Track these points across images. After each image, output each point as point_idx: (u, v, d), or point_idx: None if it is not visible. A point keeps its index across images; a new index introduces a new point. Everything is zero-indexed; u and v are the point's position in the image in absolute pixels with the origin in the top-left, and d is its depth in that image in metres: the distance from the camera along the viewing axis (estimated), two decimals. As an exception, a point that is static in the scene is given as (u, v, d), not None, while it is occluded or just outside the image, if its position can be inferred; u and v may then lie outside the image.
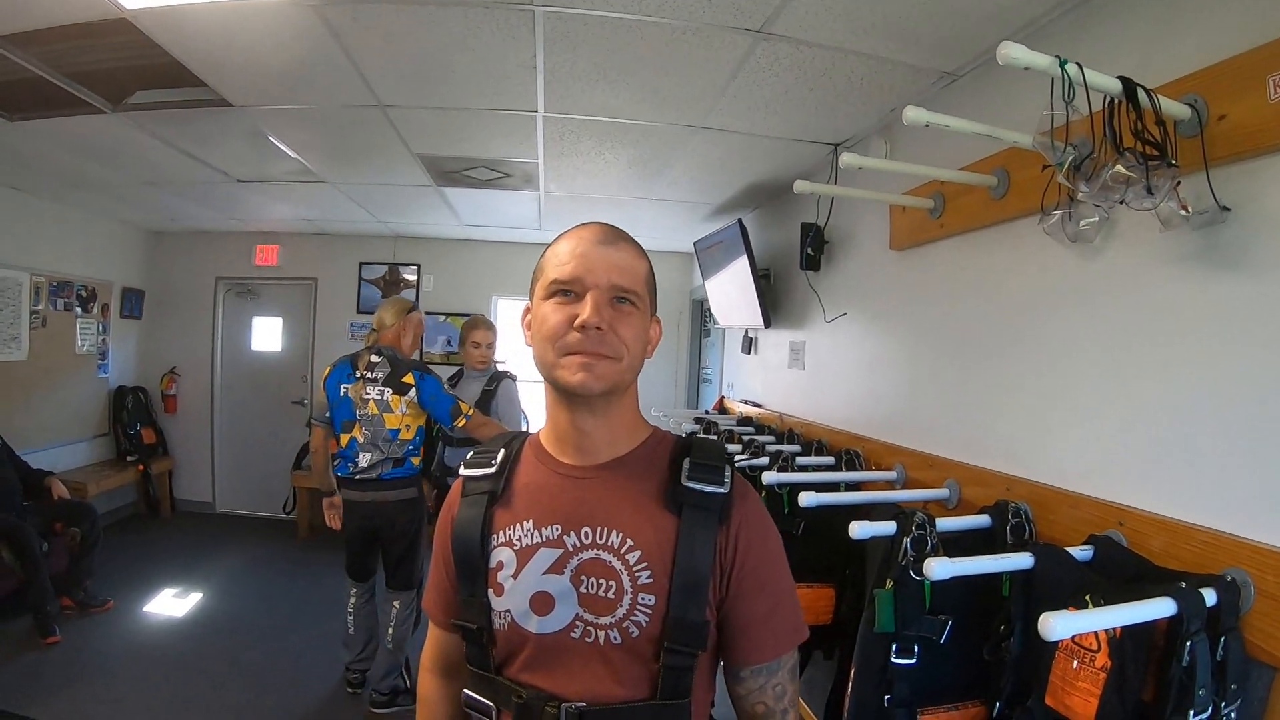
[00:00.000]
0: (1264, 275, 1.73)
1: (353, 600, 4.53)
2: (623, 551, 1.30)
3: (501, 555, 1.35)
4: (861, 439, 3.64)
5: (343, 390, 4.31)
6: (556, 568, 1.32)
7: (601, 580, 1.30)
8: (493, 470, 1.43)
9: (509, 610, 1.33)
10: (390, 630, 4.40)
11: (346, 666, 4.60)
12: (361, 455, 4.27)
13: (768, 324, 5.08)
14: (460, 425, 4.25)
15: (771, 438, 4.33)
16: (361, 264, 8.63)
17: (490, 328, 5.21)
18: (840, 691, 2.57)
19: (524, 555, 1.34)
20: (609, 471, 1.38)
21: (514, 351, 6.17)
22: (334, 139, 4.58)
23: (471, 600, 1.37)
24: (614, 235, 1.38)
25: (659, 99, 3.59)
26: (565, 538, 1.33)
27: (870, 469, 3.42)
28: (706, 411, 6.35)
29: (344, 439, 4.32)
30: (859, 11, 2.59)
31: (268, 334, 8.80)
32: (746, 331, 6.02)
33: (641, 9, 2.67)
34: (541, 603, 1.31)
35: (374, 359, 4.34)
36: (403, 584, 4.41)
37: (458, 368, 5.34)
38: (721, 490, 1.34)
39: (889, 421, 3.50)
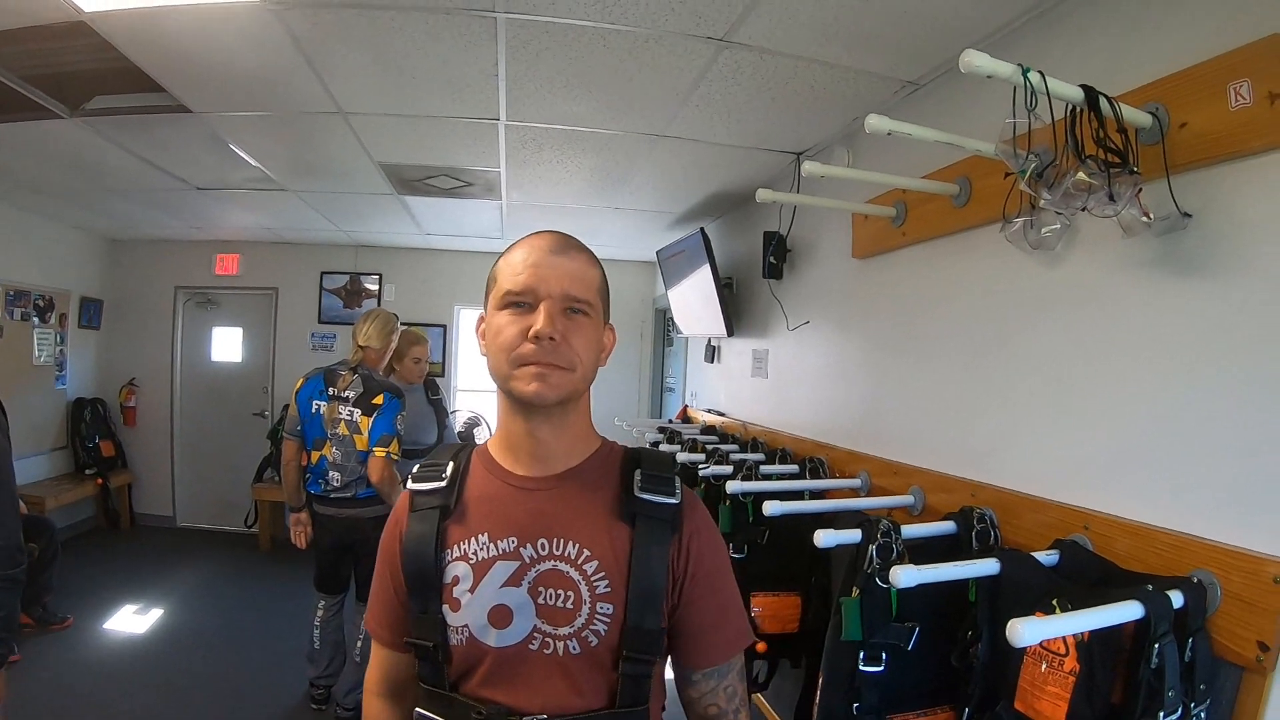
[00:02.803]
0: (1224, 281, 1.75)
1: (320, 613, 4.46)
2: (580, 562, 1.31)
3: (457, 570, 1.34)
4: (825, 447, 3.65)
5: (315, 407, 4.25)
6: (514, 580, 1.32)
7: (560, 591, 1.30)
8: (443, 484, 1.42)
9: (467, 625, 1.32)
10: (359, 643, 4.35)
11: (311, 681, 4.52)
12: (332, 474, 4.22)
13: (731, 333, 5.09)
14: (377, 455, 4.11)
15: (735, 446, 4.34)
16: (323, 273, 8.55)
17: (429, 342, 5.24)
18: (808, 700, 2.57)
19: (480, 569, 1.33)
20: (563, 482, 1.38)
21: (480, 364, 6.17)
22: (294, 146, 4.54)
23: (425, 617, 1.36)
24: (566, 244, 1.38)
25: (621, 107, 3.59)
26: (522, 549, 1.33)
27: (834, 477, 3.44)
28: (670, 421, 6.35)
29: (314, 455, 4.26)
30: (822, 20, 2.59)
31: (228, 345, 8.69)
32: (709, 340, 6.04)
33: (604, 16, 2.67)
34: (500, 616, 1.31)
35: (351, 378, 4.28)
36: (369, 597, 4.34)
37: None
38: (673, 501, 1.37)
39: (853, 429, 3.51)
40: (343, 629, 4.53)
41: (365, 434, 4.16)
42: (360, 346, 4.39)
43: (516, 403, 1.34)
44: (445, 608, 1.34)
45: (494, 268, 1.40)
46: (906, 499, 2.84)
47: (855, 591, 2.05)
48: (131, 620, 5.77)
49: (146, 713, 4.39)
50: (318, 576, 4.48)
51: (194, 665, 5.03)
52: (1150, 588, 1.57)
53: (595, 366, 1.37)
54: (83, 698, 4.50)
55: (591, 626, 1.29)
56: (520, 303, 1.31)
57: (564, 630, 1.29)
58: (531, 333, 1.27)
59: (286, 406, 4.52)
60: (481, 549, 1.34)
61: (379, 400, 4.19)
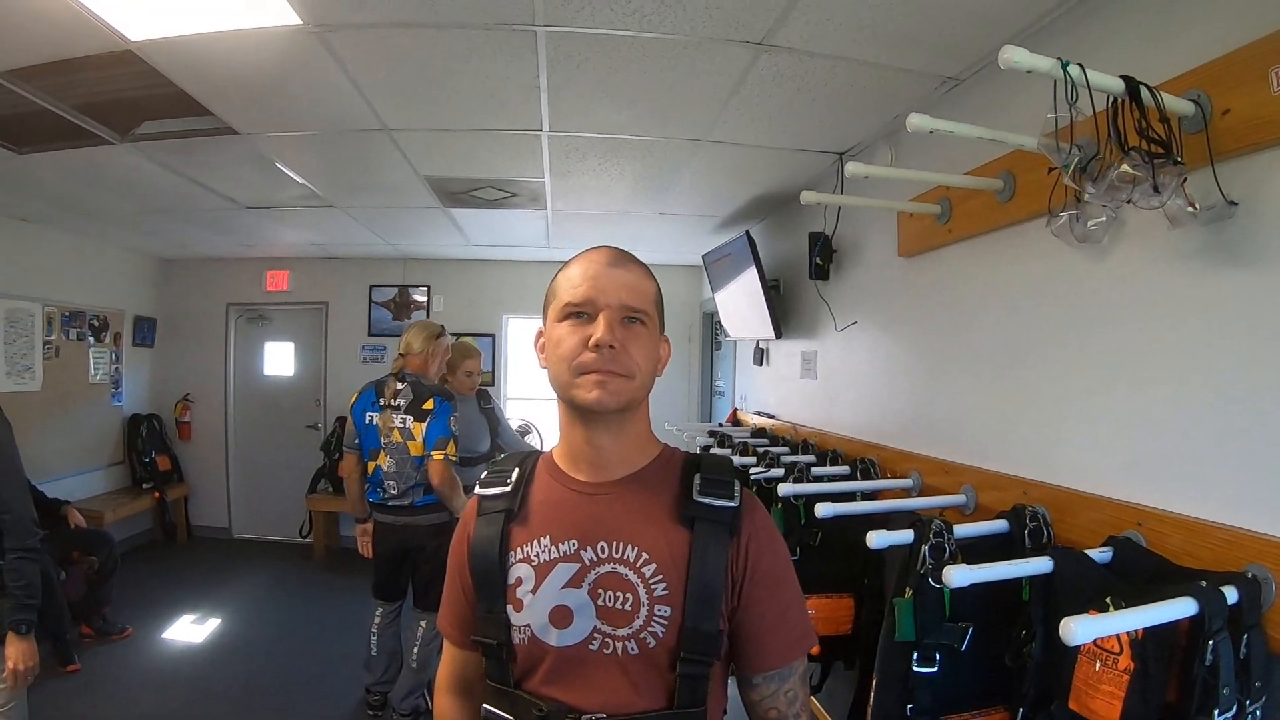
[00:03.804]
0: (1274, 267, 1.73)
1: (377, 621, 4.52)
2: (639, 565, 1.33)
3: (520, 571, 1.37)
4: (876, 447, 3.63)
5: (368, 418, 4.33)
6: (574, 582, 1.34)
7: (619, 593, 1.32)
8: (508, 489, 1.45)
9: (529, 625, 1.34)
10: (415, 649, 4.40)
11: (367, 689, 4.57)
12: (388, 482, 4.28)
13: (779, 335, 5.08)
14: (435, 458, 4.18)
15: (786, 449, 4.33)
16: (372, 287, 8.65)
17: (481, 355, 5.30)
18: (862, 701, 2.55)
19: (542, 570, 1.36)
20: (623, 487, 1.40)
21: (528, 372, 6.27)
22: (341, 163, 4.61)
23: (490, 616, 1.39)
24: (623, 257, 1.42)
25: (663, 114, 3.61)
26: (582, 552, 1.35)
27: (885, 477, 3.42)
28: (720, 424, 6.34)
29: (370, 466, 4.35)
30: (859, 20, 2.59)
31: (280, 359, 8.83)
32: (758, 343, 6.03)
33: (644, 26, 2.69)
34: (560, 616, 1.33)
35: (399, 386, 4.35)
36: (432, 604, 4.38)
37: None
38: (732, 504, 1.38)
39: (903, 429, 3.49)
40: (399, 636, 4.57)
41: (419, 440, 4.23)
42: (400, 354, 4.46)
43: (577, 411, 1.37)
44: (509, 607, 1.37)
45: (552, 283, 1.44)
46: (958, 498, 2.82)
47: (908, 592, 2.05)
48: (189, 630, 5.87)
49: (206, 720, 4.46)
50: (376, 584, 4.54)
51: (251, 673, 5.12)
52: (1204, 584, 1.56)
53: (653, 375, 1.40)
54: (142, 706, 4.59)
55: (649, 628, 1.30)
56: (580, 313, 1.34)
57: (623, 631, 1.31)
58: (592, 341, 1.30)
59: (341, 420, 4.59)
60: (544, 551, 1.37)
61: (429, 405, 4.25)
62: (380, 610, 4.53)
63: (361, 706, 4.62)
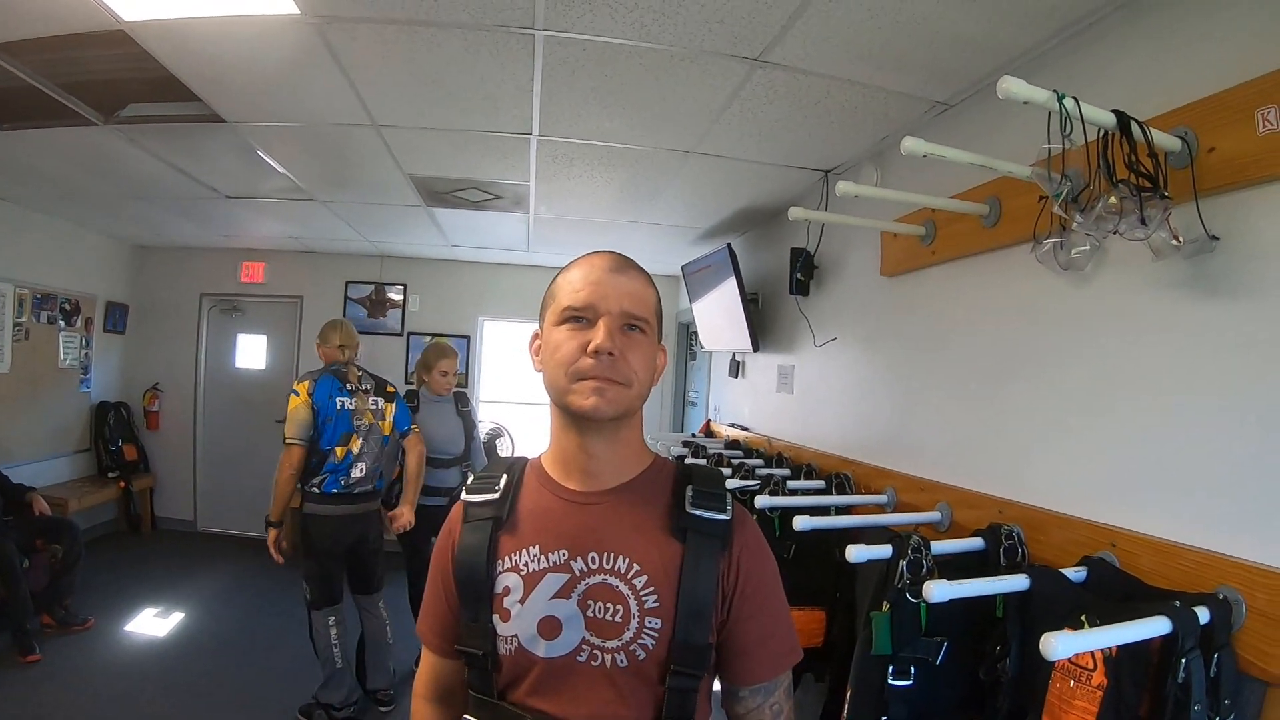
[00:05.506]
0: (1251, 302, 1.77)
1: (334, 630, 4.38)
2: (630, 576, 1.32)
3: (508, 580, 1.36)
4: (851, 462, 3.66)
5: (340, 404, 4.33)
6: (564, 592, 1.33)
7: (609, 604, 1.31)
8: (496, 496, 1.44)
9: (516, 635, 1.34)
10: (388, 629, 4.61)
11: (335, 706, 4.42)
12: (359, 465, 4.34)
13: (756, 348, 5.11)
14: (416, 431, 4.64)
15: (760, 461, 4.35)
16: (348, 283, 8.62)
17: (457, 355, 5.37)
18: (832, 714, 2.58)
19: (531, 580, 1.35)
20: (615, 497, 1.40)
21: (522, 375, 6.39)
22: (326, 157, 4.60)
23: (475, 625, 1.38)
24: (625, 264, 1.41)
25: (654, 124, 3.63)
26: (572, 562, 1.34)
27: (860, 492, 3.45)
28: (694, 435, 6.36)
29: (339, 452, 4.31)
30: (856, 41, 2.63)
31: (252, 351, 8.76)
32: (734, 355, 6.05)
33: (642, 35, 2.71)
34: (549, 627, 1.32)
35: (360, 373, 4.54)
36: (379, 585, 4.65)
37: (408, 389, 5.40)
38: (724, 517, 1.38)
39: (879, 445, 3.52)
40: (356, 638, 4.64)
41: (389, 419, 4.52)
42: (342, 345, 4.61)
43: (571, 417, 1.36)
44: (495, 617, 1.36)
45: (552, 285, 1.43)
46: (933, 515, 2.84)
47: (885, 606, 2.07)
48: (152, 623, 5.83)
49: (166, 715, 4.44)
50: (326, 592, 4.40)
51: (214, 669, 5.08)
52: (1178, 604, 1.59)
53: (650, 385, 1.39)
54: (103, 699, 4.55)
55: (640, 640, 1.30)
56: (580, 318, 1.33)
57: (612, 643, 1.30)
58: (591, 347, 1.29)
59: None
60: (532, 560, 1.36)
61: (391, 389, 4.61)
62: (333, 617, 4.40)
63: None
